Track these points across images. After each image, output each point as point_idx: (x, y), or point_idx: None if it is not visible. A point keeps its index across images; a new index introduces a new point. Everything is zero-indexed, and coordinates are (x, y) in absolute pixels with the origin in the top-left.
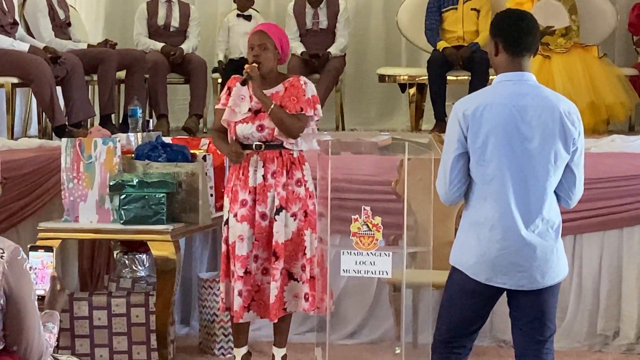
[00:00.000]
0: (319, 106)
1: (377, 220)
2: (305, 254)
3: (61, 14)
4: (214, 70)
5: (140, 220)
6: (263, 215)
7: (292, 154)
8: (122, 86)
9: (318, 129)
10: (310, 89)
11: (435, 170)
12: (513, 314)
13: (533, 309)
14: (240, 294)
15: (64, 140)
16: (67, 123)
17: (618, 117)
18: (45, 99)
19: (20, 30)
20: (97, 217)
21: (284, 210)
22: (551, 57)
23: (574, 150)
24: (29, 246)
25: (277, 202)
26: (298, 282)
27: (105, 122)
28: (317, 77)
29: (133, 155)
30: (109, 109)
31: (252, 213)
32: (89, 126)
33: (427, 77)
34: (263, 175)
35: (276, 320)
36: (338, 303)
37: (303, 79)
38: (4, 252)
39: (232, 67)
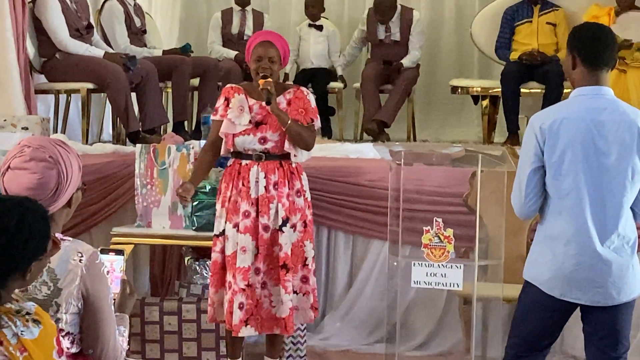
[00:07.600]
0: (318, 116)
1: (449, 232)
2: (305, 264)
3: (137, 22)
4: (284, 79)
5: (212, 227)
6: (265, 227)
7: (292, 164)
8: (196, 93)
9: (389, 140)
10: (313, 99)
11: (508, 183)
12: (587, 330)
13: (607, 326)
14: (240, 307)
15: (139, 146)
16: (140, 129)
17: None
18: (120, 105)
19: (96, 35)
20: (170, 223)
21: (289, 222)
22: (627, 71)
23: None
24: (99, 249)
25: (282, 214)
26: (298, 294)
27: (178, 129)
28: (390, 88)
29: None
30: (182, 115)
31: (255, 225)
32: (162, 133)
33: (500, 89)
34: (265, 187)
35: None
36: (407, 314)
37: (305, 89)
38: (82, 256)
39: (304, 77)
